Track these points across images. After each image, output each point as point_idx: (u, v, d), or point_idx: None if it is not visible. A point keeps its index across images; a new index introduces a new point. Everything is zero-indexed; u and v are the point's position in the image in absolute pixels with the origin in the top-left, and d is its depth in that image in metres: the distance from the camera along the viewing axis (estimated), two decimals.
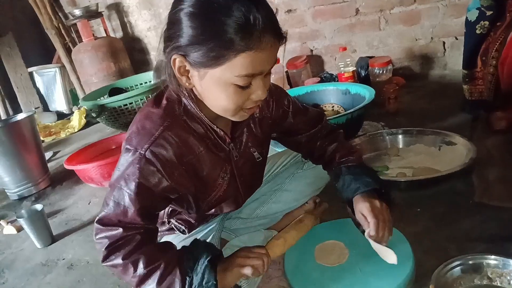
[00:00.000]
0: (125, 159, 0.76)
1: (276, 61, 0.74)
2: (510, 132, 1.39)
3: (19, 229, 1.69)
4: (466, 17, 1.51)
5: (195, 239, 0.85)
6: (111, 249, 0.75)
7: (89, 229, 1.58)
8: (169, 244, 0.84)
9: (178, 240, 1.01)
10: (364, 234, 0.91)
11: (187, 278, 0.76)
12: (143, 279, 0.75)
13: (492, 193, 1.12)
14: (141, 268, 0.74)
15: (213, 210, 0.95)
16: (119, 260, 0.75)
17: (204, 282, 0.75)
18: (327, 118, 1.51)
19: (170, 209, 1.00)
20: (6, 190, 2.06)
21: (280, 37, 0.70)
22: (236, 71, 0.68)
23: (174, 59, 0.71)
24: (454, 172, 1.18)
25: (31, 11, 3.61)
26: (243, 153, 0.90)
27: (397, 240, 0.98)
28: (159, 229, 0.95)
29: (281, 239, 1.05)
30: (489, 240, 0.96)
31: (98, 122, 2.65)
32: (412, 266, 0.89)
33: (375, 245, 0.90)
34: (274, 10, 0.70)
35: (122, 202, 0.76)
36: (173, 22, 0.70)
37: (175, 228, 1.03)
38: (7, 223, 1.75)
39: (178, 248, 0.83)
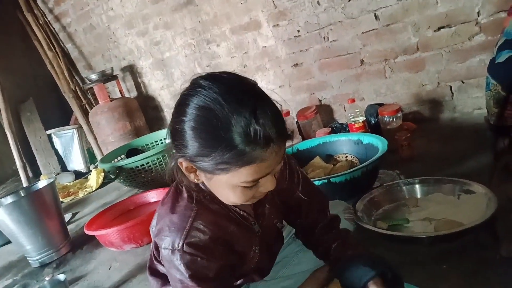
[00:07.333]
0: (168, 262, 0.79)
1: (282, 158, 0.73)
2: None
3: None
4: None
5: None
6: None
7: None
8: None
9: None
10: None
11: None
12: None
13: None
14: None
15: (242, 280, 0.96)
16: None
17: None
18: (344, 172, 1.54)
19: None
20: (27, 258, 2.07)
21: (285, 138, 0.70)
22: (242, 178, 0.70)
23: (181, 162, 0.74)
24: (478, 224, 1.17)
25: (50, 77, 3.81)
26: (266, 225, 0.92)
27: None
28: None
29: None
30: None
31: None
32: None
33: None
34: (279, 107, 0.71)
35: None
36: (177, 132, 0.71)
37: None
38: None
39: None
